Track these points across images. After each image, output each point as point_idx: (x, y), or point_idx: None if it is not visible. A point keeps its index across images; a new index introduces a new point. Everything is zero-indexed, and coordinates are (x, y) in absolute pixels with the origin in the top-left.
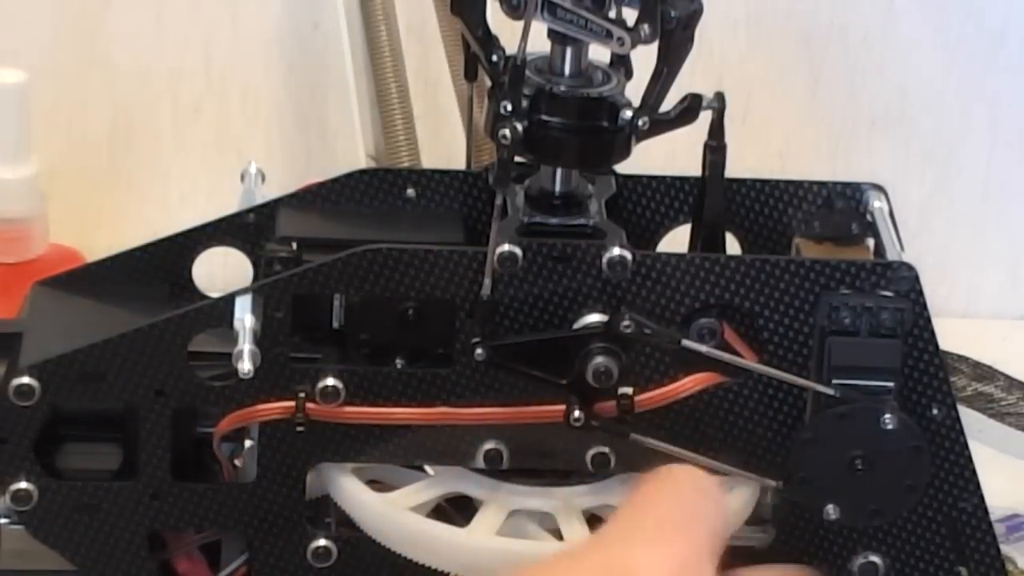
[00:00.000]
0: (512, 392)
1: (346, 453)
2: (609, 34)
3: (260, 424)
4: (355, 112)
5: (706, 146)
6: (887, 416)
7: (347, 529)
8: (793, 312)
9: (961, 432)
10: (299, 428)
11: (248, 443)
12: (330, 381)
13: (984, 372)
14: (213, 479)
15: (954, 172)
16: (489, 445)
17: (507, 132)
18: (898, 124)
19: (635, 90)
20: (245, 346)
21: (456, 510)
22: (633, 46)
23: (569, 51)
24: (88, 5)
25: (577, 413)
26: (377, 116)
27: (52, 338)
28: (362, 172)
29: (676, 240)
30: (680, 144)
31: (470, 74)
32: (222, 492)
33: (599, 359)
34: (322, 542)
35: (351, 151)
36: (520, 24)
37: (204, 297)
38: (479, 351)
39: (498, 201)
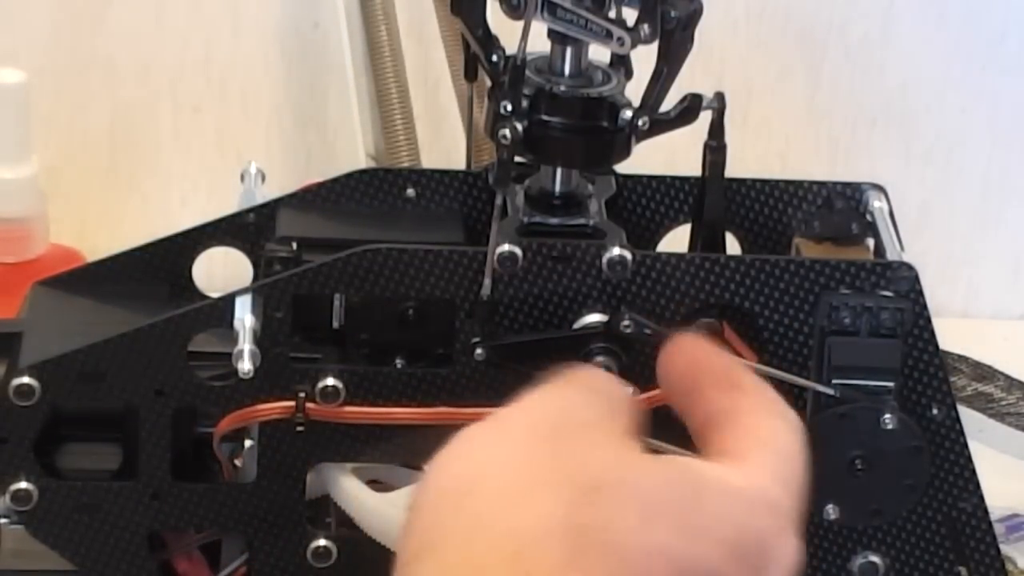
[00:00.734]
0: (512, 392)
1: (346, 453)
2: (609, 34)
3: (260, 424)
4: (355, 112)
5: (706, 146)
6: (887, 416)
7: (347, 529)
8: (793, 312)
9: (961, 432)
10: (299, 428)
11: (248, 443)
12: (330, 381)
13: (984, 372)
14: (213, 479)
15: (954, 172)
16: None
17: (507, 132)
18: (898, 124)
19: (635, 90)
20: (245, 346)
21: None
22: (633, 46)
23: (569, 51)
24: (88, 5)
25: None
26: (377, 116)
27: (52, 338)
28: (362, 172)
29: (676, 240)
30: (680, 144)
31: (470, 74)
32: (222, 492)
33: (599, 359)
34: (322, 542)
35: (351, 151)
36: (520, 24)
37: (204, 297)
38: (479, 351)
39: (498, 201)
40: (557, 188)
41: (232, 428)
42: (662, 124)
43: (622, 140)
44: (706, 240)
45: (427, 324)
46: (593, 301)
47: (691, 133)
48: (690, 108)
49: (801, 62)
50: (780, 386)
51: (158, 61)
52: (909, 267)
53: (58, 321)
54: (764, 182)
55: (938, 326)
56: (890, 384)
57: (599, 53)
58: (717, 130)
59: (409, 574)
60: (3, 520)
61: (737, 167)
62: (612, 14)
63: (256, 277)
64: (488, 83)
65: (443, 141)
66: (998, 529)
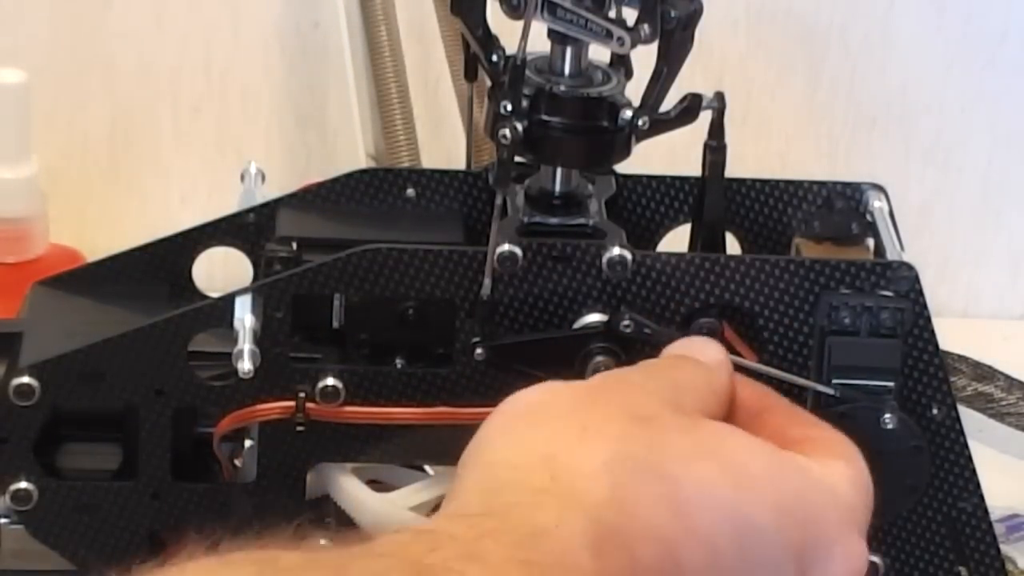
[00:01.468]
0: (512, 392)
1: (346, 453)
2: (609, 34)
3: (260, 424)
4: (355, 112)
5: (706, 146)
6: (887, 416)
7: (347, 529)
8: (793, 312)
9: (961, 432)
10: (299, 428)
11: (248, 443)
12: (330, 381)
13: (984, 372)
14: (213, 479)
15: (954, 172)
16: None
17: (507, 132)
18: (898, 124)
19: (635, 90)
20: (245, 346)
21: None
22: (633, 46)
23: (569, 51)
24: (88, 5)
25: None
26: (377, 116)
27: (52, 338)
28: (362, 172)
29: (676, 240)
30: (680, 144)
31: (470, 74)
32: (222, 492)
33: (599, 359)
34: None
35: (351, 151)
36: (520, 24)
37: (204, 297)
38: (479, 351)
39: (498, 201)
40: (557, 188)
41: (232, 428)
42: (662, 124)
43: (622, 140)
44: (706, 240)
45: (427, 324)
46: (593, 301)
47: (691, 133)
48: (690, 108)
49: (801, 62)
50: (780, 386)
51: (158, 61)
52: (909, 267)
53: (58, 321)
54: (764, 182)
55: (938, 326)
56: (890, 384)
57: (599, 53)
58: (717, 130)
59: (457, 478)
60: (3, 520)
61: (737, 167)
62: (612, 14)
63: (256, 277)
64: (488, 83)
65: (443, 141)
66: (998, 529)
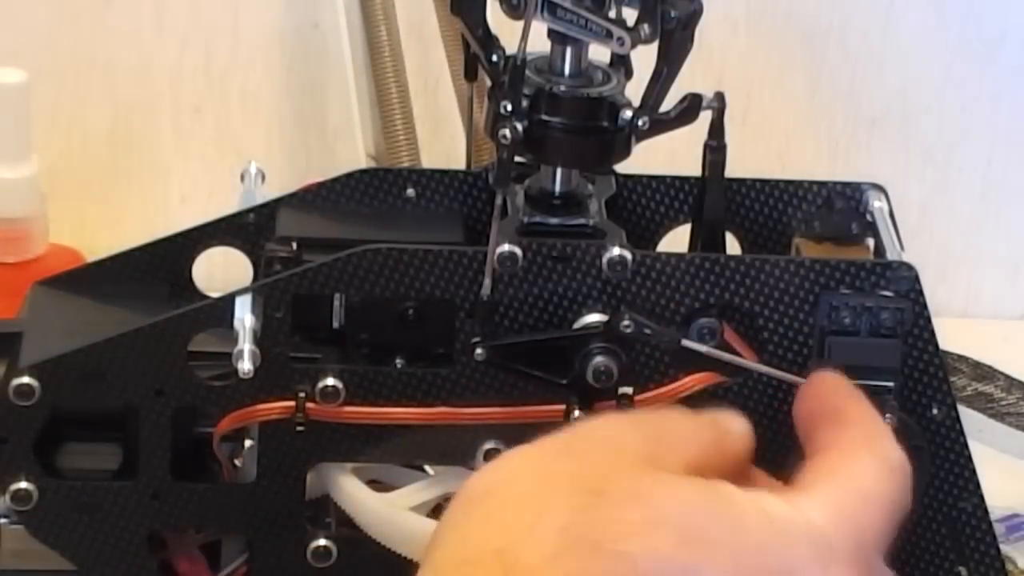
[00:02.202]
0: (512, 392)
1: (346, 453)
2: (609, 34)
3: (260, 424)
4: (355, 112)
5: (706, 146)
6: (887, 416)
7: (347, 529)
8: (793, 312)
9: (961, 432)
10: (299, 428)
11: (248, 443)
12: (330, 381)
13: (984, 372)
14: (213, 479)
15: (954, 172)
16: (489, 445)
17: (507, 132)
18: (898, 124)
19: (635, 90)
20: (245, 346)
21: None
22: (633, 46)
23: (569, 51)
24: (88, 5)
25: (577, 413)
26: (377, 116)
27: (52, 338)
28: (362, 172)
29: (676, 240)
30: (680, 144)
31: (470, 74)
32: (222, 492)
33: (599, 359)
34: (322, 542)
35: (351, 151)
36: (520, 24)
37: (204, 297)
38: (479, 351)
39: (498, 201)
40: (557, 188)
41: (232, 428)
42: (662, 124)
43: (622, 140)
44: (706, 240)
45: (427, 324)
46: (593, 301)
47: (691, 133)
48: (690, 108)
49: (801, 62)
50: (780, 386)
51: (158, 61)
52: (909, 267)
53: (58, 321)
54: (764, 182)
55: (938, 326)
56: (890, 384)
57: (599, 53)
58: (717, 130)
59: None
60: (3, 520)
61: (737, 167)
62: (612, 14)
63: (256, 277)
64: (488, 83)
65: (443, 141)
66: (998, 529)
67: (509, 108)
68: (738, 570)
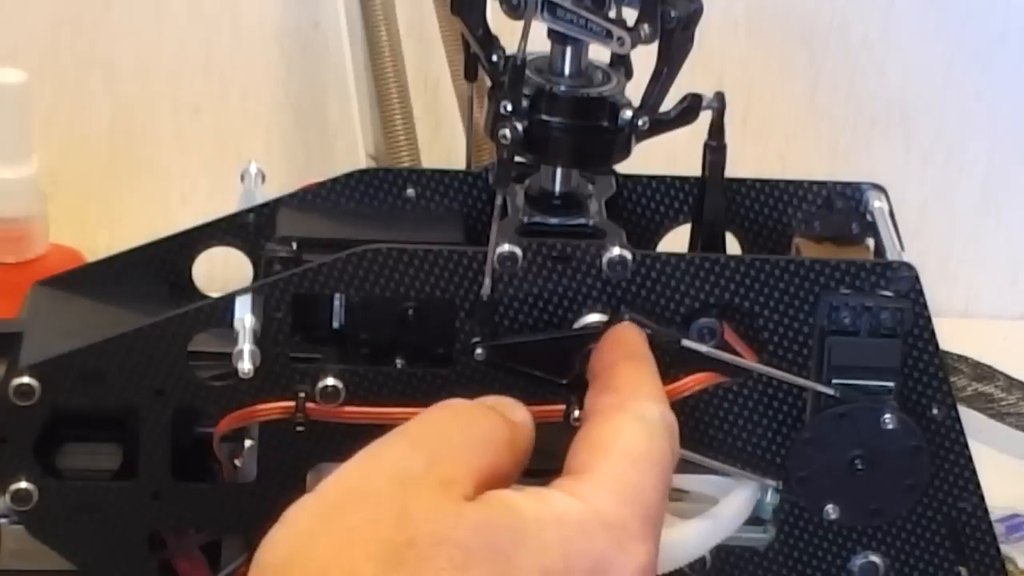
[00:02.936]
0: (512, 392)
1: (346, 453)
2: (609, 34)
3: (260, 424)
4: (355, 112)
5: (706, 146)
6: (887, 416)
7: None
8: (793, 312)
9: (961, 432)
10: (299, 428)
11: (248, 443)
12: (330, 381)
13: (984, 372)
14: (213, 479)
15: (954, 172)
16: None
17: (507, 132)
18: (898, 124)
19: (635, 90)
20: (245, 346)
21: None
22: (633, 46)
23: (569, 51)
24: (88, 5)
25: (577, 413)
26: (377, 116)
27: (52, 338)
28: (362, 172)
29: (676, 240)
30: (680, 144)
31: (470, 74)
32: (222, 492)
33: None
34: None
35: (351, 151)
36: (520, 24)
37: (204, 297)
38: (479, 351)
39: (498, 201)
40: (557, 188)
41: (232, 428)
42: (662, 124)
43: (622, 140)
44: (706, 240)
45: (427, 324)
46: (593, 301)
47: (691, 133)
48: (690, 108)
49: (801, 62)
50: (780, 386)
51: (158, 61)
52: (909, 267)
53: (58, 321)
54: (764, 182)
55: (938, 326)
56: (890, 384)
57: (599, 53)
58: (717, 130)
59: None
60: (3, 520)
61: (737, 167)
62: (612, 14)
63: (256, 277)
64: (488, 83)
65: (443, 141)
66: (998, 529)
67: (509, 108)
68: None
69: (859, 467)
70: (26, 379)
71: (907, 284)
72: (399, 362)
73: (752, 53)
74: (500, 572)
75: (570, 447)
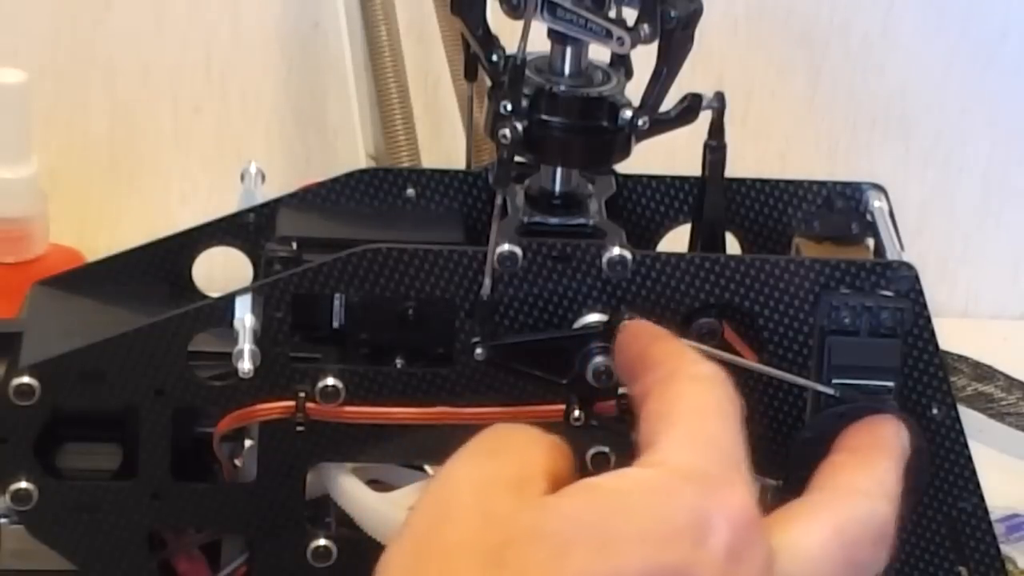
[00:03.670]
0: (512, 392)
1: (346, 453)
2: (609, 34)
3: (260, 424)
4: (355, 112)
5: (706, 146)
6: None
7: (347, 529)
8: (793, 312)
9: (961, 432)
10: (299, 428)
11: (248, 443)
12: (330, 381)
13: (984, 372)
14: (213, 479)
15: (954, 172)
16: None
17: (507, 132)
18: (898, 124)
19: (635, 90)
20: (245, 346)
21: None
22: (633, 46)
23: (569, 51)
24: (88, 5)
25: (577, 413)
26: (377, 116)
27: (52, 338)
28: (362, 172)
29: (676, 240)
30: (680, 144)
31: (470, 74)
32: (222, 492)
33: (599, 359)
34: (322, 542)
35: (351, 151)
36: (520, 24)
37: (204, 297)
38: (479, 351)
39: (498, 201)
40: (557, 188)
41: (232, 428)
42: (662, 124)
43: (622, 140)
44: (706, 240)
45: (427, 324)
46: (593, 301)
47: (691, 133)
48: (690, 108)
49: (801, 62)
50: (780, 386)
51: (158, 61)
52: (909, 267)
53: (58, 321)
54: (764, 182)
55: (938, 326)
56: (890, 384)
57: (599, 53)
58: (717, 130)
59: None
60: (3, 520)
61: (737, 167)
62: (612, 14)
63: (256, 277)
64: (488, 83)
65: (443, 141)
66: (998, 529)
67: (509, 108)
68: (656, 548)
69: None
70: (26, 379)
71: (907, 284)
72: (399, 362)
73: (752, 53)
74: (599, 548)
75: (636, 432)
